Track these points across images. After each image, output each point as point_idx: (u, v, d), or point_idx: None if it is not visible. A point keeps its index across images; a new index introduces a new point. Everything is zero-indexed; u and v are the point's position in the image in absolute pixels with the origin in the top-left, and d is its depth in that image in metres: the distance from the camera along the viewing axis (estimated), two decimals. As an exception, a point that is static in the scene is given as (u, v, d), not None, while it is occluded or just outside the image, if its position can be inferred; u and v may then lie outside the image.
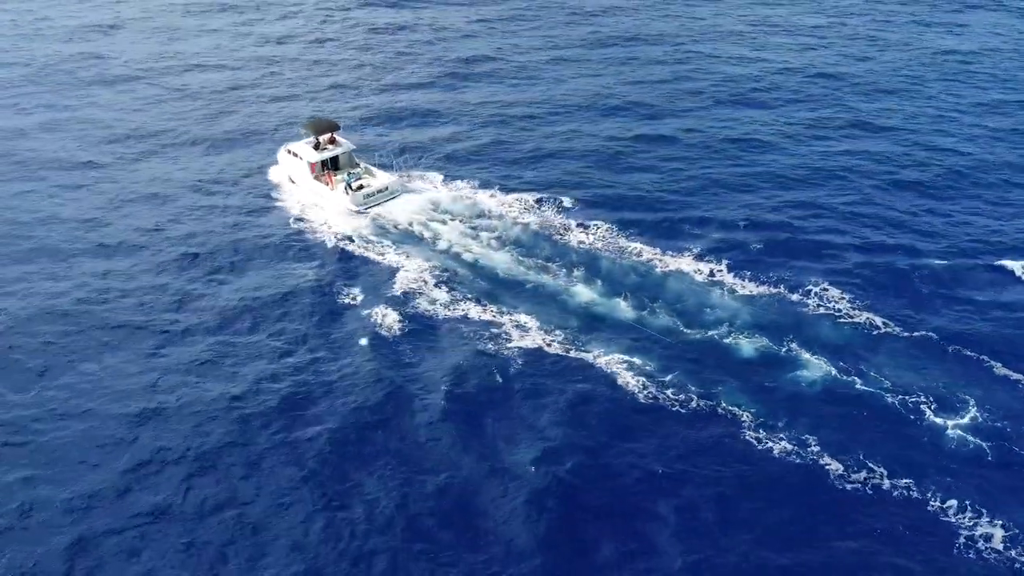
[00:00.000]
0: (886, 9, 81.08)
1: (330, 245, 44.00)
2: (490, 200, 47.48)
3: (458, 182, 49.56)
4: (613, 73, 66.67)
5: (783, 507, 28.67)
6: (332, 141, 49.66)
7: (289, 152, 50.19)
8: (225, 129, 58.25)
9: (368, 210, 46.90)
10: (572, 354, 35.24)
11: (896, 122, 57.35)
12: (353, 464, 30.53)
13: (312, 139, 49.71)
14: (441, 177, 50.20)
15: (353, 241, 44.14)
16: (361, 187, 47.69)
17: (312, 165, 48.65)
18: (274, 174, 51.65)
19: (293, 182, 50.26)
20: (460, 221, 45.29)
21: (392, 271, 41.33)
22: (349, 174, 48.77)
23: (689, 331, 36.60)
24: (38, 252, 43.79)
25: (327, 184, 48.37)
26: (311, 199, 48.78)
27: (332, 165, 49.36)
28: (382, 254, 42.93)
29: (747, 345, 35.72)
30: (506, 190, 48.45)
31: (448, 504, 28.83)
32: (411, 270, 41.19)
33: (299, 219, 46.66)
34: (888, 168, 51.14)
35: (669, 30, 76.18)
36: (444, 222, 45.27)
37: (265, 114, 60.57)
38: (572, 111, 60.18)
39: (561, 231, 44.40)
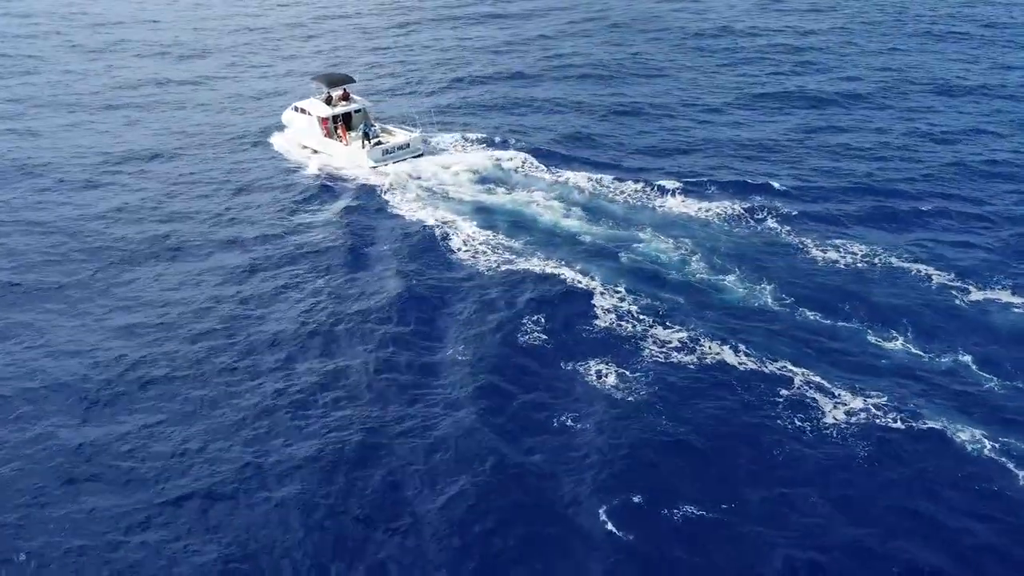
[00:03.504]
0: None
1: (458, 244, 34.01)
2: (650, 193, 36.94)
3: (573, 171, 39.56)
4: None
5: None
6: (345, 97, 43.86)
7: (297, 109, 44.40)
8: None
9: (385, 166, 40.49)
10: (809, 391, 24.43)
11: None
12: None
13: (324, 94, 43.84)
14: (577, 170, 39.81)
15: (481, 244, 33.85)
16: (379, 143, 41.40)
17: (323, 120, 42.92)
18: (279, 141, 45.34)
19: (304, 146, 44.10)
20: (613, 221, 34.99)
21: (538, 276, 30.83)
22: (367, 124, 42.21)
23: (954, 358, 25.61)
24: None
25: (341, 140, 42.62)
26: (325, 160, 42.58)
27: (345, 123, 43.35)
28: (515, 258, 32.42)
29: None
30: (678, 179, 37.97)
31: None
32: (564, 274, 30.67)
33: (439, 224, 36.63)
34: None
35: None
36: (595, 221, 34.90)
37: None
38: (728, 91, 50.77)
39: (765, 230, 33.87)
